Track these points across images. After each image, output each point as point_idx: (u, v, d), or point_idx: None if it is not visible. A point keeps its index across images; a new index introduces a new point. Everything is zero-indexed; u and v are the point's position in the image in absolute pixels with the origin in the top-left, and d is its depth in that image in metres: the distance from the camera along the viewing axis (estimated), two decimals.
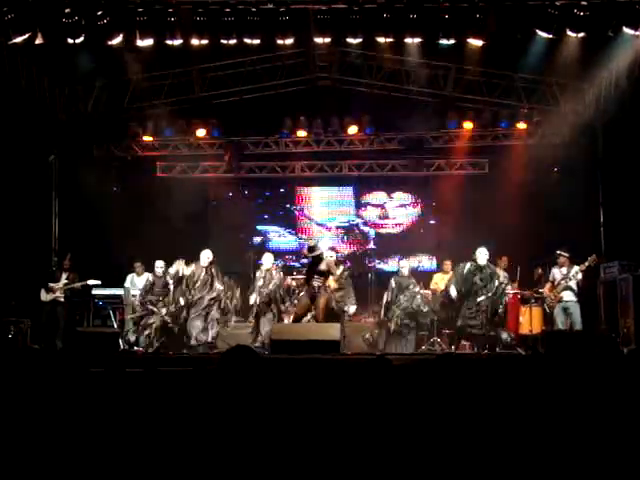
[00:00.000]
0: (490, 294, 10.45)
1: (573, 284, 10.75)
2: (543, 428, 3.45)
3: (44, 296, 11.61)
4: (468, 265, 10.64)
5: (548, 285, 11.00)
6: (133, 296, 11.97)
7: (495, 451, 3.13)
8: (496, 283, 10.55)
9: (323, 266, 10.17)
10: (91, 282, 11.87)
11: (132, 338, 11.10)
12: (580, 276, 10.72)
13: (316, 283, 10.10)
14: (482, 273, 10.54)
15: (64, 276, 11.70)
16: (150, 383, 5.12)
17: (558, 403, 3.96)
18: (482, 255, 10.61)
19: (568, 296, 10.77)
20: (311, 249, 10.37)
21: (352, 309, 11.17)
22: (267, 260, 11.16)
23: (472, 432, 3.21)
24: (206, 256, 10.81)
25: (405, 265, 11.61)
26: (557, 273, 10.94)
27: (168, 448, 3.07)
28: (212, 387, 3.22)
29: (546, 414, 3.71)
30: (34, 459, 3.17)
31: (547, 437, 3.35)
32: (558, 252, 10.94)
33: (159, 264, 11.23)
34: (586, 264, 10.69)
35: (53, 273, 11.90)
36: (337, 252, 11.74)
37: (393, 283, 11.31)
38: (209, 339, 10.57)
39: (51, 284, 11.63)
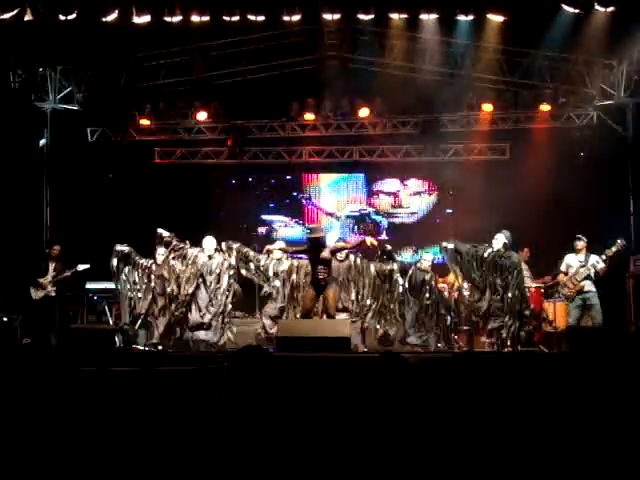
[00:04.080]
0: (512, 284, 10.27)
1: (592, 274, 10.53)
2: (569, 432, 3.43)
3: (34, 294, 11.53)
4: (489, 250, 10.42)
5: (561, 275, 10.76)
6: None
7: (514, 453, 3.12)
8: (515, 275, 10.31)
9: (325, 253, 10.02)
10: (81, 267, 11.73)
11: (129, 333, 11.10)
12: (601, 265, 10.36)
13: (321, 275, 9.96)
14: (500, 260, 10.34)
15: (51, 267, 11.66)
16: (148, 383, 5.13)
17: (585, 406, 3.94)
18: (497, 241, 10.39)
19: (589, 286, 10.47)
20: (312, 230, 10.40)
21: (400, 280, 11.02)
22: (277, 249, 11.02)
23: (490, 434, 3.20)
24: (211, 243, 10.69)
25: (428, 259, 11.42)
26: (573, 260, 10.61)
27: (169, 451, 3.07)
28: (217, 387, 3.22)
29: (572, 417, 3.68)
30: (24, 460, 3.18)
31: (572, 441, 3.33)
32: (578, 236, 10.62)
33: (161, 251, 11.13)
34: (613, 249, 10.39)
35: (40, 267, 11.72)
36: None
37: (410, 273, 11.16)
38: (221, 341, 10.51)
39: (40, 280, 11.57)
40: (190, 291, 10.48)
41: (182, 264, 10.60)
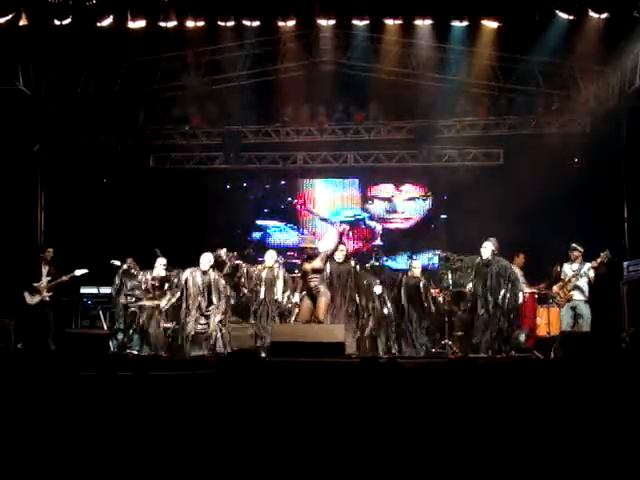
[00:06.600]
0: (503, 291, 10.29)
1: (583, 282, 10.54)
2: (563, 436, 3.43)
3: (29, 299, 11.34)
4: (477, 260, 10.52)
5: (559, 283, 10.82)
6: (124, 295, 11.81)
7: (509, 457, 3.12)
8: (508, 279, 10.33)
9: (317, 263, 10.10)
10: (78, 272, 11.59)
11: (123, 339, 11.07)
12: (592, 273, 10.47)
13: (313, 283, 10.05)
14: (489, 268, 10.38)
15: (44, 272, 11.51)
16: (141, 388, 5.11)
17: (578, 411, 3.93)
18: (485, 249, 10.45)
19: (578, 295, 10.57)
20: (304, 240, 10.51)
21: (378, 289, 10.91)
22: (269, 257, 11.02)
23: (485, 439, 3.19)
24: (207, 260, 10.56)
25: (417, 266, 11.45)
26: (568, 269, 10.72)
27: (162, 454, 3.06)
28: (208, 392, 3.20)
29: (565, 422, 3.68)
30: (21, 463, 3.17)
31: (566, 445, 3.32)
32: (573, 245, 10.73)
33: (161, 261, 11.00)
34: (598, 260, 10.48)
35: (33, 271, 11.49)
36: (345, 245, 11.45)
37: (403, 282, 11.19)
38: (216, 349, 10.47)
39: (35, 284, 11.41)
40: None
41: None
